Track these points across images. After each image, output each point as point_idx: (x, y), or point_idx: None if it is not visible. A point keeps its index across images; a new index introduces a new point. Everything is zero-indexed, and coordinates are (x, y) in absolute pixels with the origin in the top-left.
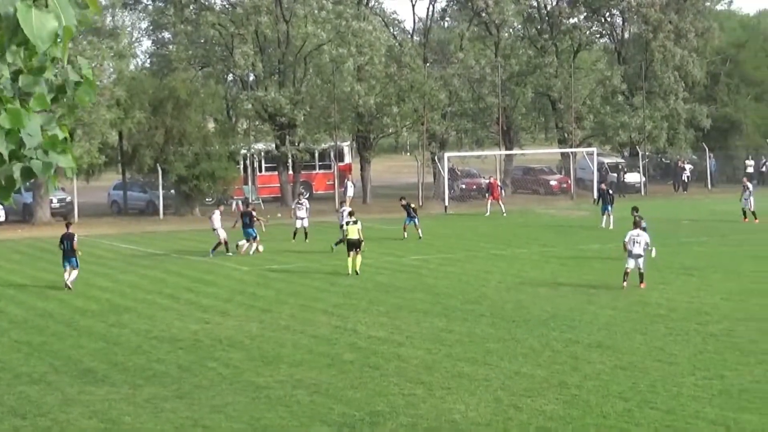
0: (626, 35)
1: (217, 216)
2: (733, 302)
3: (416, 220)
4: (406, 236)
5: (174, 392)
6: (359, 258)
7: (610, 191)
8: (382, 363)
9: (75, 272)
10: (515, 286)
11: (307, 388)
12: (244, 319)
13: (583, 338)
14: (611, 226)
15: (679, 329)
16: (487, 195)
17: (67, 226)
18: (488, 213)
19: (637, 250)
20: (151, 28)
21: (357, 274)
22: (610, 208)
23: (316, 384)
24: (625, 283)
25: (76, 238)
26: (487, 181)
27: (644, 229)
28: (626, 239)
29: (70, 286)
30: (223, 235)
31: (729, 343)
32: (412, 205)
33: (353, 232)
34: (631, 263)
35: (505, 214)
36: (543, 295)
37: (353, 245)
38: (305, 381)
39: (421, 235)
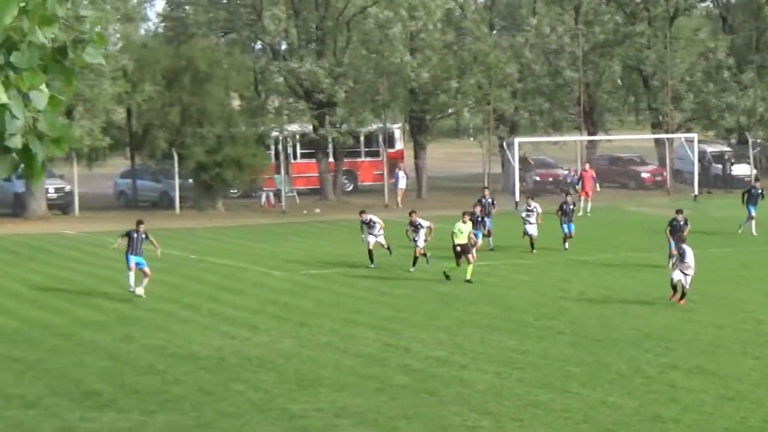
0: None
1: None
2: None
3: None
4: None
5: (194, 420)
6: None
7: (762, 191)
8: (440, 388)
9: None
10: (600, 300)
11: (352, 418)
12: (276, 334)
13: (681, 362)
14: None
15: None
16: (576, 189)
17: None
18: (581, 212)
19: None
20: None
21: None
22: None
23: (362, 413)
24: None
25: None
26: (568, 172)
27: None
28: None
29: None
30: (371, 241)
31: None
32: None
33: (463, 235)
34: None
35: (589, 214)
36: (633, 311)
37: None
38: (349, 409)
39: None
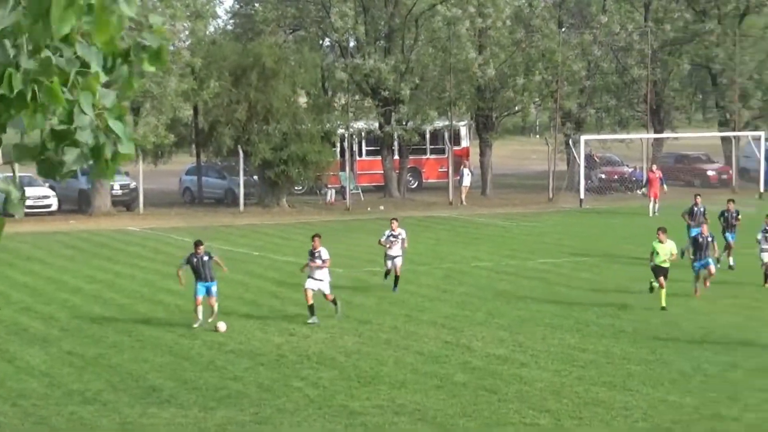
0: None
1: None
2: None
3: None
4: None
5: (252, 417)
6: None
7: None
8: (500, 386)
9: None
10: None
11: (411, 415)
12: (337, 331)
13: (742, 362)
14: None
15: None
16: (644, 191)
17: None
18: (650, 213)
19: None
20: None
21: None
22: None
23: (421, 410)
24: None
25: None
26: (633, 170)
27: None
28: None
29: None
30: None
31: None
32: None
33: (660, 257)
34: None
35: (657, 214)
36: (696, 309)
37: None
38: (408, 406)
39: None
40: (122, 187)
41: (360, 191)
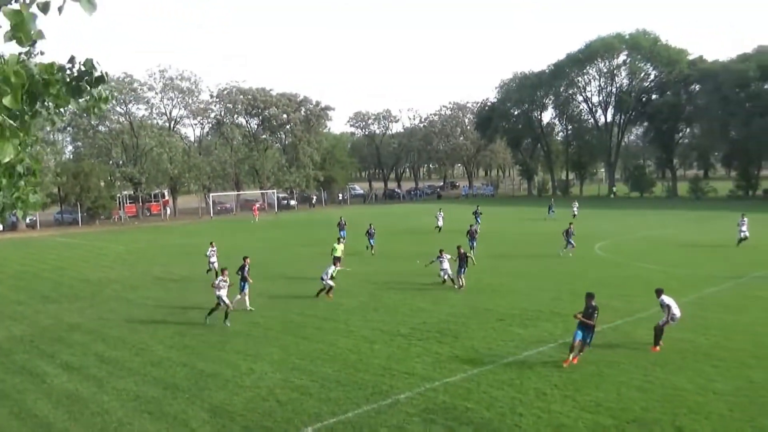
0: (287, 142)
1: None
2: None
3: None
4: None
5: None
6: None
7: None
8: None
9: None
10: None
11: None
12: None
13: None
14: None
15: None
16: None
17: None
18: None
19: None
20: None
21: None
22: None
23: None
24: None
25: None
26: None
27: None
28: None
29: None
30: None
31: None
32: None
33: (340, 251)
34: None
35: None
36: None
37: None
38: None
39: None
40: (30, 219)
41: None
